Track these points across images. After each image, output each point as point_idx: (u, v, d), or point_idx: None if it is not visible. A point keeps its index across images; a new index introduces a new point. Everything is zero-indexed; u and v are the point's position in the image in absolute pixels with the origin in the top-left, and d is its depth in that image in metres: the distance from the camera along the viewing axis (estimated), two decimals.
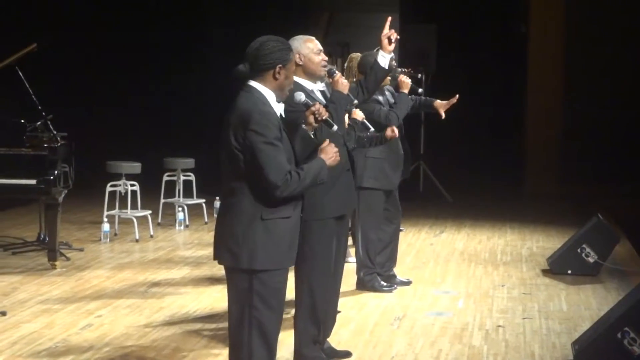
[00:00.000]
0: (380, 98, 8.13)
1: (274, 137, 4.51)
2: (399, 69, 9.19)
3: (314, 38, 6.09)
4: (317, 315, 6.08)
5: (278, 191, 4.51)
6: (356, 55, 8.23)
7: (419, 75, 9.57)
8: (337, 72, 6.21)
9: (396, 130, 7.61)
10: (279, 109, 4.71)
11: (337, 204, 6.05)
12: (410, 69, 9.02)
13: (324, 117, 4.99)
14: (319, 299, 6.08)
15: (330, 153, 4.78)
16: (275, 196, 4.52)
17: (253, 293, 4.59)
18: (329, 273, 6.12)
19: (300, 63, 5.94)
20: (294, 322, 6.11)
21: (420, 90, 8.59)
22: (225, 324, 6.89)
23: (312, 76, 6.03)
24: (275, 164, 4.49)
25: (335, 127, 5.20)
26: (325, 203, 5.90)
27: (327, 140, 4.88)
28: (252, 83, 4.64)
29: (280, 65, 4.63)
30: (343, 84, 6.17)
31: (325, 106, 5.74)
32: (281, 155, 4.52)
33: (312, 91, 5.97)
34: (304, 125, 4.99)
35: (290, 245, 4.69)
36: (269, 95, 4.64)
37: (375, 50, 7.15)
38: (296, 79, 5.91)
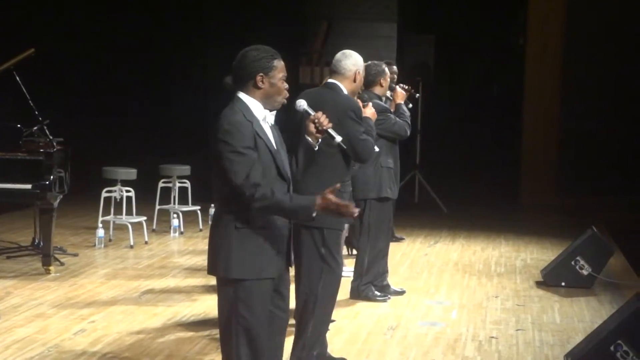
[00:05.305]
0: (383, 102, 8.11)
1: (242, 146, 4.40)
2: (400, 85, 9.21)
3: None
4: (322, 323, 6.14)
5: (246, 199, 4.40)
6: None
7: (417, 95, 9.62)
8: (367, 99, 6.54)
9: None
10: (269, 118, 4.60)
11: None
12: (411, 88, 9.00)
13: (324, 127, 4.84)
14: (328, 307, 6.15)
15: (331, 203, 4.44)
16: (245, 203, 4.41)
17: (238, 301, 4.53)
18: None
19: (355, 82, 6.32)
20: (297, 329, 6.11)
21: (410, 106, 8.57)
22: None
23: (354, 95, 6.36)
24: (241, 171, 4.37)
25: (338, 139, 5.10)
26: None
27: (344, 201, 4.56)
28: (239, 94, 4.57)
29: (261, 74, 4.53)
30: (373, 113, 6.53)
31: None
32: (249, 163, 4.39)
33: None
34: (307, 135, 4.86)
35: (273, 255, 4.57)
36: (254, 105, 4.55)
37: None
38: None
